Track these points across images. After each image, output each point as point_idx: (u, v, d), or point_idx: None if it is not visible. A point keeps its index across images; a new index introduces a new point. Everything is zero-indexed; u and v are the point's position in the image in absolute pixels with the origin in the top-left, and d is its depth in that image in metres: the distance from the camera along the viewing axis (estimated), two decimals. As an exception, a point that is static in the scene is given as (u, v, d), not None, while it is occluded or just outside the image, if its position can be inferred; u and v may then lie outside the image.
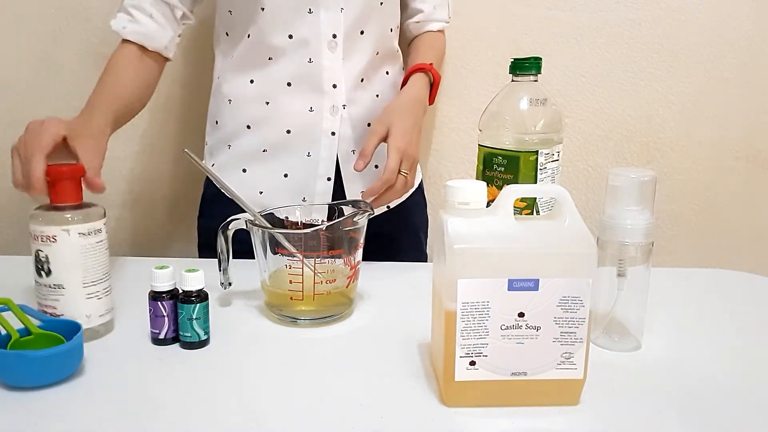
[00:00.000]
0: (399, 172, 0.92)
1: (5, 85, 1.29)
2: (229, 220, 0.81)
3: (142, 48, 0.97)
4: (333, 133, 1.00)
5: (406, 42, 1.15)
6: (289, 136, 1.00)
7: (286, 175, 1.02)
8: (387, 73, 1.06)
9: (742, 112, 1.30)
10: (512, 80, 0.86)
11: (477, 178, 0.84)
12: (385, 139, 0.93)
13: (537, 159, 0.82)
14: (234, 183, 1.01)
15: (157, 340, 0.73)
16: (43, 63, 1.28)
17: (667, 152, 1.32)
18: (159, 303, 0.71)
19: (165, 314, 0.72)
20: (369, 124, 1.02)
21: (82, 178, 0.74)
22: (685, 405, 0.62)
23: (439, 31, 1.15)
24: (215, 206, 1.04)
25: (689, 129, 1.31)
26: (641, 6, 1.25)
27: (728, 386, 0.66)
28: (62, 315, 0.72)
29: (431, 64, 1.02)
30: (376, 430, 0.58)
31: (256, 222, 0.80)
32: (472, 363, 0.59)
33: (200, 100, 1.17)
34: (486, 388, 0.60)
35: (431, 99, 1.04)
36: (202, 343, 0.72)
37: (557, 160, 0.86)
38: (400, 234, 1.13)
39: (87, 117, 0.87)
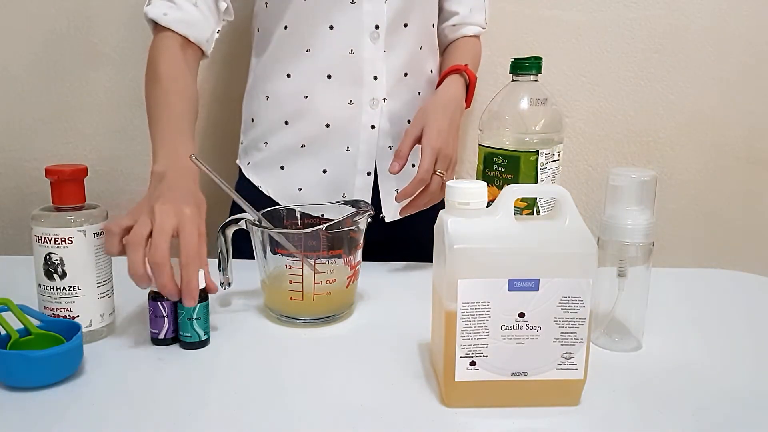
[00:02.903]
0: (435, 172, 0.90)
1: (5, 86, 1.29)
2: (229, 219, 0.80)
3: (184, 41, 0.89)
4: (372, 127, 0.98)
5: (442, 47, 1.11)
6: (327, 130, 0.98)
7: (324, 171, 1.00)
8: (431, 71, 1.04)
9: (742, 112, 1.30)
10: (512, 80, 0.86)
11: (477, 178, 0.84)
12: (420, 140, 0.91)
13: (537, 159, 0.82)
14: (271, 181, 1.01)
15: (157, 341, 0.72)
16: (43, 63, 1.28)
17: (667, 152, 1.32)
18: (159, 303, 0.71)
19: (165, 314, 0.71)
20: (408, 121, 1.00)
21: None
22: (685, 405, 0.62)
23: (474, 36, 1.10)
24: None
25: (689, 129, 1.31)
26: (641, 6, 1.25)
27: (728, 386, 0.65)
28: (78, 317, 0.71)
29: (466, 65, 0.99)
30: (376, 431, 0.58)
31: (257, 222, 0.79)
32: (473, 363, 0.59)
33: (203, 100, 1.17)
34: (486, 388, 0.60)
35: (468, 101, 1.00)
36: (202, 343, 0.72)
37: (558, 160, 0.86)
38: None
39: (174, 163, 0.76)
